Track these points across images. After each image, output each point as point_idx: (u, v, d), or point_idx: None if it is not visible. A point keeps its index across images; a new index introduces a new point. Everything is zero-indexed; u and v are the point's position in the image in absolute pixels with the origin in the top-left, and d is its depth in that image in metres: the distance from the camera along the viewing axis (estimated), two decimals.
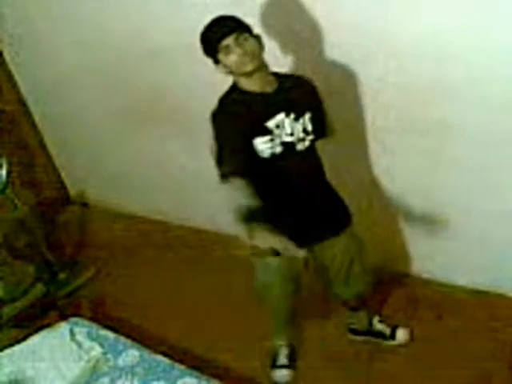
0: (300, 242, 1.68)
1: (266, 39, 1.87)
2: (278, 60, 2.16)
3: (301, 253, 1.68)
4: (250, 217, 1.73)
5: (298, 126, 1.86)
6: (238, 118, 1.78)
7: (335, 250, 2.10)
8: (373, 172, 2.51)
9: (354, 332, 2.46)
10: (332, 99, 2.07)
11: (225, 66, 1.77)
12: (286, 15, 2.24)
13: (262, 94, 1.82)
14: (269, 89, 1.83)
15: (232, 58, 1.73)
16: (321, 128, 1.98)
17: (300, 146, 1.88)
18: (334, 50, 2.23)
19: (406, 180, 2.44)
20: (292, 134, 1.85)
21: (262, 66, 1.80)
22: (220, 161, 1.77)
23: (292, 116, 1.85)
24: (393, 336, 2.40)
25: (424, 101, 2.18)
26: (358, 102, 2.32)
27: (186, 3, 2.49)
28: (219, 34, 1.71)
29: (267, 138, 1.81)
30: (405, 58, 2.11)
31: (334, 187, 2.09)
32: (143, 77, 2.96)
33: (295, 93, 1.88)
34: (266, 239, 1.63)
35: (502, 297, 2.47)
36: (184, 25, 2.54)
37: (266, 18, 2.23)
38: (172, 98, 2.90)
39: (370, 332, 2.43)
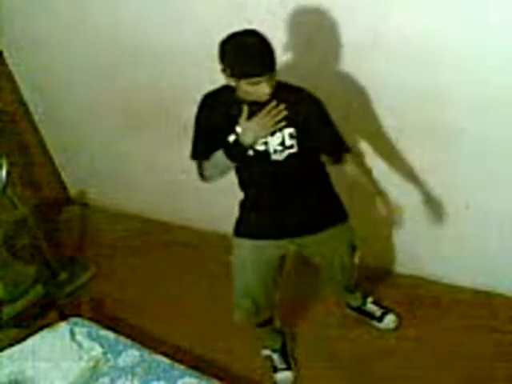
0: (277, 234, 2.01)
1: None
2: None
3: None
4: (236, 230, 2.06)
5: (274, 139, 1.84)
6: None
7: (319, 245, 2.12)
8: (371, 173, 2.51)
9: (350, 307, 2.56)
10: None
11: (231, 82, 1.71)
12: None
13: (248, 102, 1.76)
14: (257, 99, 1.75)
15: (251, 90, 1.69)
16: (320, 144, 1.94)
17: (276, 157, 1.87)
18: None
19: (406, 181, 2.44)
20: (266, 144, 1.85)
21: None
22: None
23: None
24: (381, 319, 2.48)
25: (423, 103, 2.18)
26: (355, 105, 2.32)
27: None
28: (252, 70, 1.63)
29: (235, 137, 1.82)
30: (405, 61, 2.11)
31: (328, 187, 2.09)
32: (143, 78, 2.96)
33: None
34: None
35: (501, 297, 2.48)
36: (184, 27, 2.55)
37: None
38: (172, 99, 2.90)
39: (362, 310, 2.53)
